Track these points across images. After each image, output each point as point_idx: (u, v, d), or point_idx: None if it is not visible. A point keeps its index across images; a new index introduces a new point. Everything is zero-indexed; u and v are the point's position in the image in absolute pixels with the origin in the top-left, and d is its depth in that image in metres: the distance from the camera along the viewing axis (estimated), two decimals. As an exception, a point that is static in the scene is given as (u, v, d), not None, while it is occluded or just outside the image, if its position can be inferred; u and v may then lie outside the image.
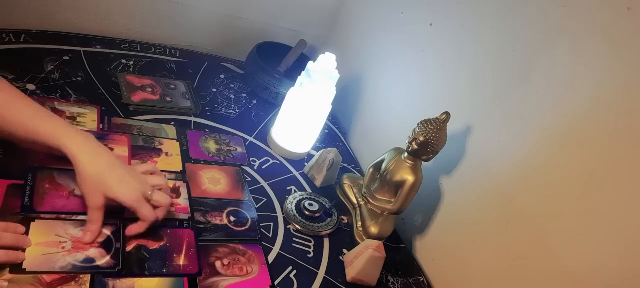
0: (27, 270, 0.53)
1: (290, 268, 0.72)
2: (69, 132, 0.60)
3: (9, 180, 0.63)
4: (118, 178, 0.60)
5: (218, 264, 0.66)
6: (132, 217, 0.63)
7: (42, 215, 0.60)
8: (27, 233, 0.57)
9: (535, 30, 0.71)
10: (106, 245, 0.60)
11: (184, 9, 1.10)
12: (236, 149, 0.90)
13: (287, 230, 0.78)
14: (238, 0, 1.14)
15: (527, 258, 0.69)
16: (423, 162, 0.79)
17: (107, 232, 0.62)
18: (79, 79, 0.87)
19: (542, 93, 0.69)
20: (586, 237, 0.62)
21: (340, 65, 0.90)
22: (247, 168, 0.87)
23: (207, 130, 0.91)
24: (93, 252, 0.59)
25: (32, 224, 0.58)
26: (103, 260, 0.58)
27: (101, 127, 0.79)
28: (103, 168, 0.60)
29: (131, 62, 0.99)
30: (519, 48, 0.74)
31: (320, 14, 1.25)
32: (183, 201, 0.73)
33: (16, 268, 0.53)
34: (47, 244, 0.57)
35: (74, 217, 0.62)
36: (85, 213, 0.61)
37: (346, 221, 0.87)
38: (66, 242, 0.58)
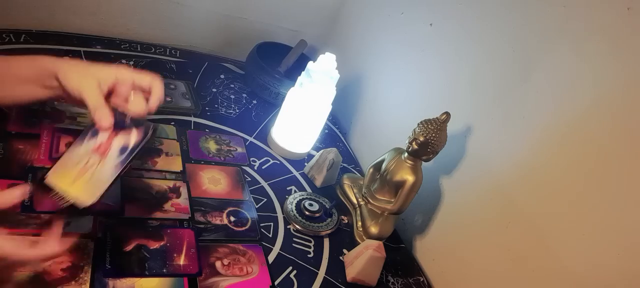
0: (84, 209, 0.52)
1: (290, 268, 0.72)
2: (47, 56, 0.60)
3: (8, 180, 0.63)
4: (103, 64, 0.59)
5: (218, 264, 0.66)
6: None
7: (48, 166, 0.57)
8: (48, 186, 0.53)
9: (535, 30, 0.71)
10: (119, 125, 0.57)
11: (184, 9, 1.10)
12: (236, 149, 0.90)
13: (287, 230, 0.78)
14: (238, 0, 1.14)
15: (527, 258, 0.69)
16: (423, 162, 0.79)
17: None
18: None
19: (542, 93, 0.69)
20: (586, 237, 0.62)
21: (340, 65, 0.90)
22: (247, 168, 0.87)
23: (207, 130, 0.91)
24: (117, 141, 0.56)
25: (49, 177, 0.54)
26: (134, 137, 0.56)
27: (101, 127, 0.79)
28: (86, 63, 0.59)
29: (131, 62, 0.99)
30: (519, 48, 0.74)
31: (320, 14, 1.25)
32: (183, 201, 0.73)
33: (75, 211, 0.52)
34: (78, 176, 0.54)
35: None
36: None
37: (346, 221, 0.87)
38: (89, 160, 0.55)
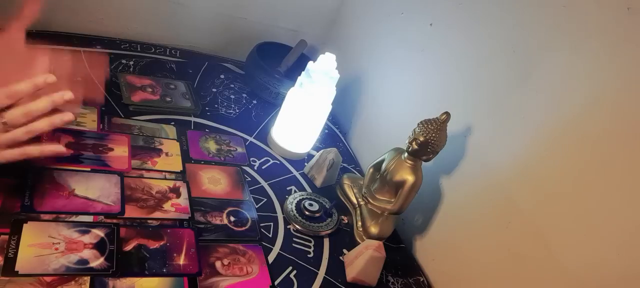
0: (20, 273, 0.53)
1: (290, 268, 0.72)
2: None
3: (8, 180, 0.63)
4: None
5: (218, 264, 0.66)
6: (127, 223, 0.63)
7: (41, 215, 0.60)
8: (19, 234, 0.56)
9: (536, 30, 0.71)
10: (100, 247, 0.60)
11: (184, 9, 1.10)
12: (236, 149, 0.90)
13: (287, 230, 0.78)
14: (238, 0, 1.14)
15: (527, 258, 0.69)
16: (423, 162, 0.79)
17: (100, 233, 0.62)
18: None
19: (542, 93, 0.69)
20: (586, 237, 0.62)
21: (340, 65, 0.90)
22: (247, 168, 0.87)
23: (207, 130, 0.91)
24: (87, 253, 0.58)
25: (25, 226, 0.58)
26: (97, 261, 0.58)
27: (101, 126, 0.79)
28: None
29: (131, 62, 0.99)
30: (519, 48, 0.74)
31: (320, 14, 1.25)
32: (183, 201, 0.73)
33: (9, 270, 0.53)
34: (40, 246, 0.57)
35: (68, 218, 0.62)
36: (85, 213, 0.62)
37: (346, 221, 0.87)
38: (59, 243, 0.58)
